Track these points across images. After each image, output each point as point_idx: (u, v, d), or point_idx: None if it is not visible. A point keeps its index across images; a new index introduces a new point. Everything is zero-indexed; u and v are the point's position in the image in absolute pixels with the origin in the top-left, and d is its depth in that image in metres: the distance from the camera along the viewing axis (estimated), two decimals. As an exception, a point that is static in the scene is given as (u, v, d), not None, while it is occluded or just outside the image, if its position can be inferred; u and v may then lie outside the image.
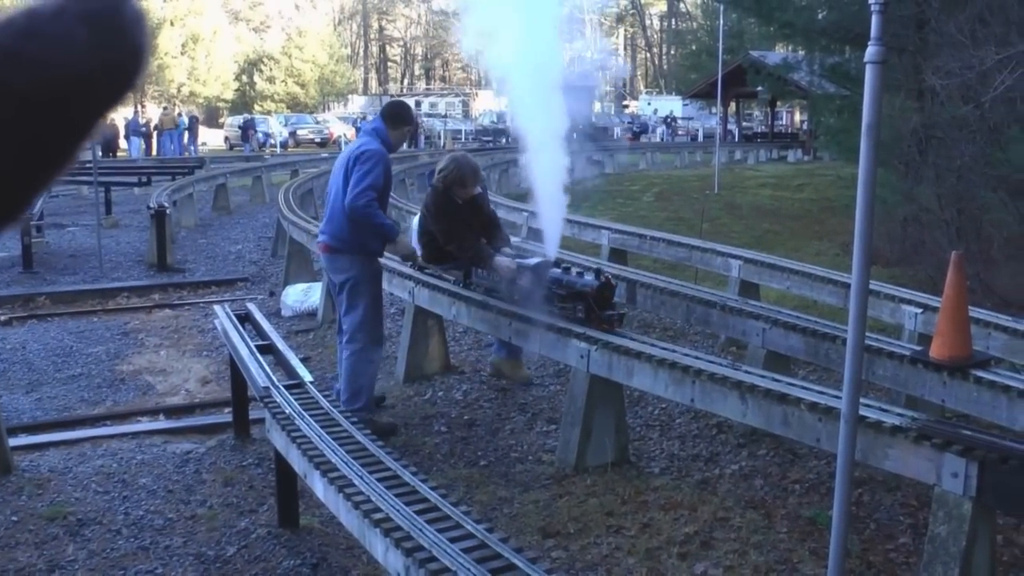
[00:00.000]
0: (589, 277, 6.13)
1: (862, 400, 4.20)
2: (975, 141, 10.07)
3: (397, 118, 6.73)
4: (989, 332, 6.32)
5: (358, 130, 46.42)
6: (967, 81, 8.91)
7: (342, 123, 48.58)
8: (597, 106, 52.85)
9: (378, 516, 3.69)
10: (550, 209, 6.73)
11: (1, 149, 0.47)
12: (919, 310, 6.91)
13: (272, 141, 42.81)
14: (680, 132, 49.52)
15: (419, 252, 7.46)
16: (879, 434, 4.21)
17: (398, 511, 3.71)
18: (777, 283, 8.88)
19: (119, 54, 0.49)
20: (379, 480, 4.02)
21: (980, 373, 5.01)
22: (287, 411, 4.88)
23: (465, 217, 7.06)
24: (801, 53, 18.71)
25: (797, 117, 55.29)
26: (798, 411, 4.58)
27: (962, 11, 10.25)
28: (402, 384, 7.64)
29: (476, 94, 64.89)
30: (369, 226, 6.35)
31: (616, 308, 6.15)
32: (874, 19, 3.27)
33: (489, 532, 3.50)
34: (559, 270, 6.36)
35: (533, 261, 6.58)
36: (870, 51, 3.27)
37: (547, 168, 6.42)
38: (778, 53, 30.36)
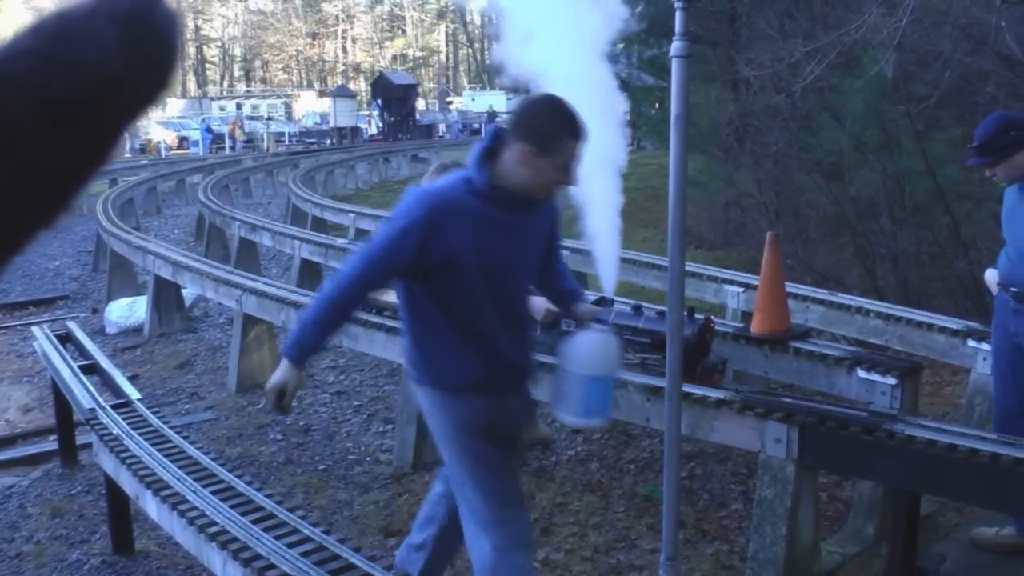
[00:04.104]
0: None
1: (689, 377, 4.34)
2: (788, 128, 10.54)
3: (520, 124, 3.04)
4: (807, 306, 6.63)
5: (184, 139, 42.62)
6: (778, 72, 9.30)
7: (163, 128, 46.60)
8: (421, 103, 52.68)
9: (214, 530, 3.63)
10: (604, 237, 5.32)
11: (37, 154, 0.46)
12: (741, 289, 7.20)
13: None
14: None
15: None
16: (705, 408, 4.37)
17: (234, 523, 3.66)
18: (605, 271, 9.07)
19: (152, 55, 0.49)
20: (214, 494, 3.96)
21: (799, 344, 5.23)
22: (115, 432, 4.73)
23: None
24: (619, 46, 19.19)
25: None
26: (627, 393, 4.69)
27: (771, 7, 10.74)
28: (235, 395, 7.50)
29: (298, 95, 63.80)
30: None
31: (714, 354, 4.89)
32: (677, 16, 3.38)
33: (327, 535, 3.48)
34: (628, 310, 4.96)
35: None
36: (675, 46, 3.38)
37: (599, 190, 5.11)
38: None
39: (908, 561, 4.16)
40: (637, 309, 4.95)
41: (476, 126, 48.64)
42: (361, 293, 3.07)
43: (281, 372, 3.01)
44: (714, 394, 4.39)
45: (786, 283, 5.65)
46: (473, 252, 2.99)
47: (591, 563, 4.53)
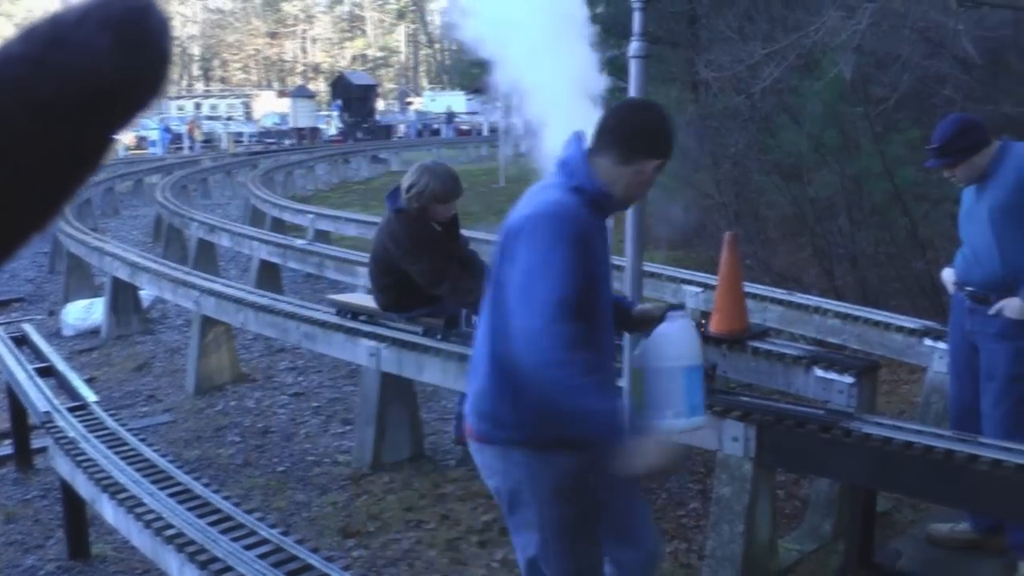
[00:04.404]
0: None
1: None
2: (748, 129, 10.61)
3: (645, 138, 2.76)
4: (766, 306, 6.68)
5: (142, 139, 42.10)
6: (738, 74, 9.36)
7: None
8: (381, 104, 52.40)
9: (170, 532, 3.59)
10: None
11: (28, 158, 0.47)
12: (699, 289, 7.25)
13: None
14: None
15: (378, 299, 5.67)
16: (663, 408, 4.37)
17: (191, 525, 3.62)
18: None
19: (144, 60, 0.49)
20: (171, 496, 3.91)
21: (756, 344, 5.26)
22: (71, 435, 4.66)
23: (448, 246, 5.34)
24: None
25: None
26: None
27: (730, 8, 10.82)
28: (193, 397, 7.44)
29: (257, 95, 63.34)
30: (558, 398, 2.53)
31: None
32: (636, 16, 3.41)
33: (285, 536, 3.46)
34: None
35: None
36: (633, 46, 3.41)
37: None
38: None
39: (865, 557, 4.21)
40: None
41: (436, 127, 48.56)
42: (580, 345, 2.45)
43: (641, 453, 2.43)
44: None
45: (745, 283, 5.70)
46: (600, 267, 2.65)
47: (552, 563, 4.52)
